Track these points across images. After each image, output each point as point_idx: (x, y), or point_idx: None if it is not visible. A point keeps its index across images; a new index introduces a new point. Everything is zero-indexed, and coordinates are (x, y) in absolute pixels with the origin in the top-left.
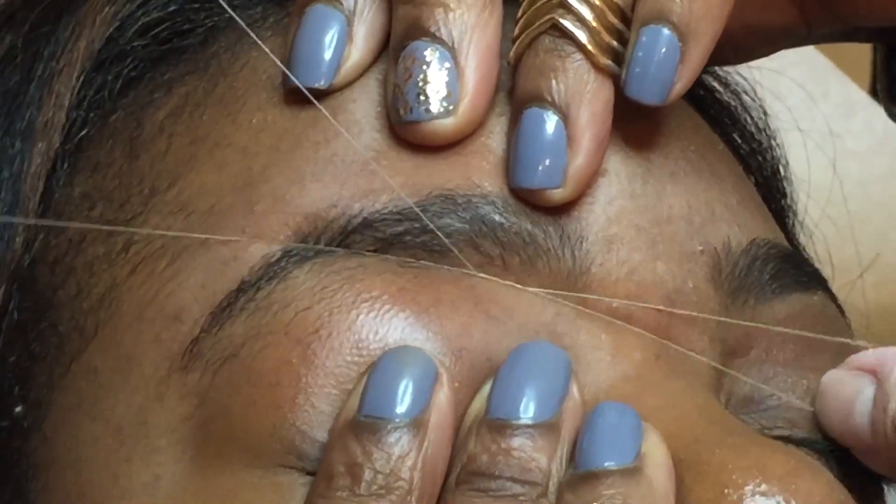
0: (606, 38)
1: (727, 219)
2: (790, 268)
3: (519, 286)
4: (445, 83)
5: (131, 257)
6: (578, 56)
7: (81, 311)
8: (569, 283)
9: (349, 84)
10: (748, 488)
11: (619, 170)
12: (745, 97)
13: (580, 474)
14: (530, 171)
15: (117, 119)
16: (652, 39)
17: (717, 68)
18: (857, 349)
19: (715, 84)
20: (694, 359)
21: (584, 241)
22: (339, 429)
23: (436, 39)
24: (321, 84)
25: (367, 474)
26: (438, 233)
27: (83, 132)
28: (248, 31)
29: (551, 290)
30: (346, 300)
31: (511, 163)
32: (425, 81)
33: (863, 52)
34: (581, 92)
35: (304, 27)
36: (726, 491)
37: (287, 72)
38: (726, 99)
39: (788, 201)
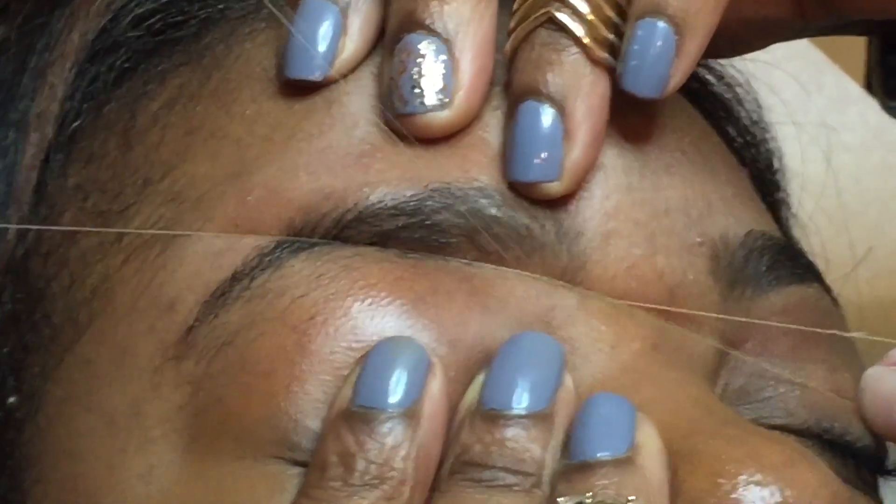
0: (603, 31)
1: (724, 210)
2: (786, 260)
3: (527, 273)
4: (441, 76)
5: (124, 247)
6: (575, 49)
7: (75, 301)
8: (565, 278)
9: (344, 76)
10: (742, 478)
11: (616, 163)
12: (739, 90)
13: (574, 464)
14: (527, 165)
15: (111, 110)
16: (648, 33)
17: (711, 61)
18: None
19: (709, 77)
20: (691, 350)
21: (582, 237)
22: (332, 419)
23: (431, 32)
24: (316, 76)
25: (361, 464)
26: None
27: (77, 123)
28: (279, 14)
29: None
30: (342, 288)
31: (507, 156)
32: (420, 74)
33: (857, 46)
34: (577, 85)
35: (299, 19)
36: (720, 481)
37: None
38: (721, 92)
39: (782, 194)
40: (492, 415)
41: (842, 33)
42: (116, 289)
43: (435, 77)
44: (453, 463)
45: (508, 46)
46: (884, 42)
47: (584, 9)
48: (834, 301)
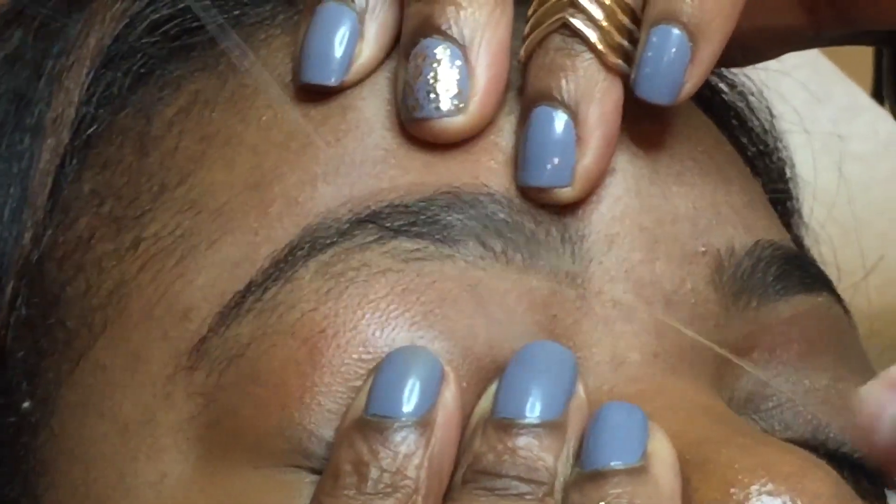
0: (617, 37)
1: (733, 220)
2: (794, 269)
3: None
4: (456, 81)
5: (140, 254)
6: (589, 55)
7: (90, 307)
8: (568, 280)
9: (360, 82)
10: (754, 487)
11: (626, 169)
12: (751, 99)
13: (586, 473)
14: (539, 170)
15: (126, 116)
16: (662, 39)
17: (723, 70)
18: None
19: (722, 85)
20: (692, 358)
21: (586, 240)
22: (345, 428)
23: (447, 37)
24: (332, 81)
25: (374, 473)
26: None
27: (92, 129)
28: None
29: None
30: (352, 302)
31: (520, 161)
32: (436, 79)
33: (865, 55)
34: (591, 91)
35: (316, 24)
36: (732, 490)
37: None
38: (733, 100)
39: (794, 203)
40: (504, 423)
41: (854, 43)
42: (132, 295)
43: (450, 82)
44: (466, 471)
45: (523, 52)
46: (895, 52)
47: (599, 15)
48: (845, 310)
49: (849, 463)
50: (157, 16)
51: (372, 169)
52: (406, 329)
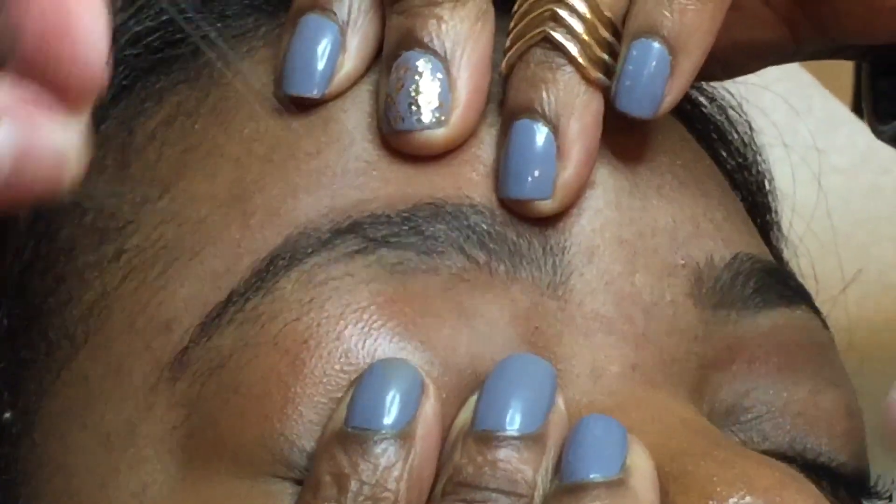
0: (597, 51)
1: (711, 233)
2: (774, 282)
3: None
4: (437, 94)
5: (122, 265)
6: (569, 68)
7: (72, 318)
8: (549, 292)
9: (342, 94)
10: (733, 500)
11: (607, 182)
12: (731, 112)
13: (565, 486)
14: (520, 182)
15: (109, 127)
16: (642, 53)
17: (703, 83)
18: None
19: (701, 99)
20: (671, 370)
21: (567, 252)
22: (326, 439)
23: (429, 50)
24: (314, 93)
25: (354, 485)
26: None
27: None
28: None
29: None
30: (334, 312)
31: (501, 173)
32: (417, 92)
33: (845, 69)
34: (571, 104)
35: (298, 37)
36: (711, 503)
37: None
38: (713, 114)
39: (773, 216)
40: (484, 436)
41: (833, 57)
42: (114, 306)
43: (432, 95)
44: (446, 484)
45: (504, 64)
46: (874, 67)
47: (580, 28)
48: (823, 323)
49: (827, 473)
50: (140, 28)
51: (354, 180)
52: (388, 340)
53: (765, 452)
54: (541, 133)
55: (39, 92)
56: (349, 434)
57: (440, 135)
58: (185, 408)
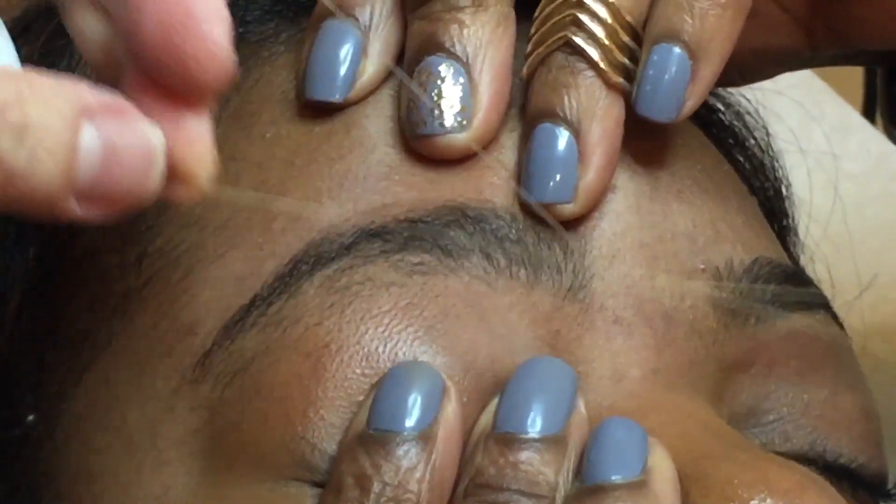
0: (618, 55)
1: (731, 238)
2: (792, 287)
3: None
4: (459, 98)
5: (145, 269)
6: (590, 73)
7: (94, 321)
8: (570, 295)
9: (364, 99)
10: (753, 503)
11: (627, 186)
12: (748, 118)
13: (587, 488)
14: (542, 186)
15: None
16: (663, 58)
17: (720, 90)
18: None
19: (719, 105)
20: (691, 373)
21: (588, 255)
22: (348, 441)
23: (450, 55)
24: (336, 98)
25: (377, 486)
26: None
27: None
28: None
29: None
30: (355, 317)
31: (523, 177)
32: (440, 96)
33: (856, 74)
34: (593, 109)
35: (320, 42)
36: None
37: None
38: (730, 120)
39: (790, 221)
40: (506, 438)
41: (849, 63)
42: (137, 309)
43: (453, 99)
44: (468, 485)
45: (525, 69)
46: (890, 72)
47: (601, 33)
48: (841, 327)
49: (847, 474)
50: None
51: (376, 185)
52: (409, 344)
53: (785, 454)
54: (562, 137)
55: (157, 88)
56: (371, 436)
57: (462, 139)
58: (208, 411)
